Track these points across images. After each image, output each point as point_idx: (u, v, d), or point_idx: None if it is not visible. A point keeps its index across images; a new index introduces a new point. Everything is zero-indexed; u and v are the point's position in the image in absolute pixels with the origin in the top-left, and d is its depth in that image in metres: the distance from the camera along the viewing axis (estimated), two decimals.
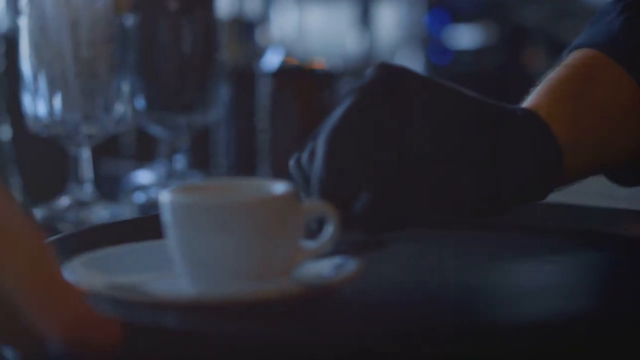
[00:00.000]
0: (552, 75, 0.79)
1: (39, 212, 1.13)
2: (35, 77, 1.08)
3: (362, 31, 1.86)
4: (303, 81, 1.34)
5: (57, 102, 1.08)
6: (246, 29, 1.53)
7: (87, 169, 1.11)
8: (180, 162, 1.21)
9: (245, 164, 1.37)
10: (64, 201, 1.12)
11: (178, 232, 0.62)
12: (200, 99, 1.18)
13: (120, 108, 1.10)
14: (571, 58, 0.81)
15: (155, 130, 1.21)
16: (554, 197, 0.77)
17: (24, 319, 0.46)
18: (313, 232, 0.64)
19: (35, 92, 1.08)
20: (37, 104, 1.09)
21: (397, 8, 2.19)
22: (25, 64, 1.09)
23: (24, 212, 0.50)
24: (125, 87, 1.10)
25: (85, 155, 1.11)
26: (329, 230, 0.62)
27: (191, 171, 1.23)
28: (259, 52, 1.46)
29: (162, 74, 1.17)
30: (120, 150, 1.39)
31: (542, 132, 0.73)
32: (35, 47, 1.08)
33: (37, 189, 1.27)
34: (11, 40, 1.25)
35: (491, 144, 0.71)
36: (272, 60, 1.37)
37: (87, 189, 1.11)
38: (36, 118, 1.10)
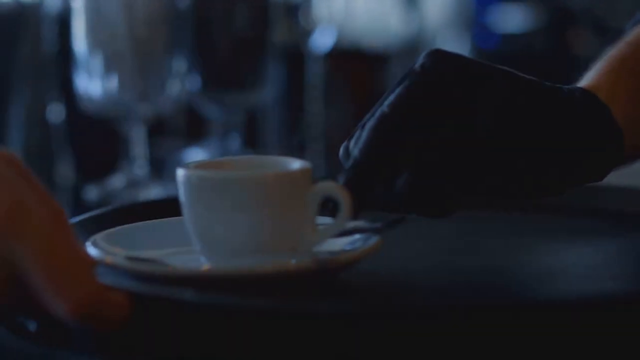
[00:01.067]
0: (612, 53, 0.78)
1: (92, 191, 1.14)
2: (90, 58, 1.09)
3: (408, 12, 1.85)
4: (356, 63, 1.34)
5: (112, 82, 1.09)
6: (293, 9, 1.52)
7: (140, 148, 1.12)
8: (234, 140, 1.22)
9: (295, 144, 1.38)
10: (117, 180, 1.13)
11: (190, 207, 0.62)
12: (254, 78, 1.18)
13: (174, 87, 1.10)
14: (633, 34, 0.79)
15: (210, 109, 1.21)
16: (612, 178, 0.76)
17: (38, 293, 0.48)
18: (330, 211, 0.63)
19: (90, 73, 1.09)
20: (92, 85, 1.10)
21: None
22: (80, 45, 1.10)
23: (42, 189, 0.52)
24: (180, 67, 1.10)
25: (139, 134, 1.11)
26: (339, 211, 0.61)
27: (244, 150, 1.24)
28: (307, 33, 1.46)
29: (216, 53, 1.17)
30: (168, 129, 1.39)
31: (601, 113, 0.72)
32: (90, 28, 1.09)
33: (89, 168, 1.28)
34: (64, 21, 1.26)
35: (550, 126, 0.70)
36: (322, 41, 1.37)
37: (141, 168, 1.12)
38: (91, 98, 1.11)
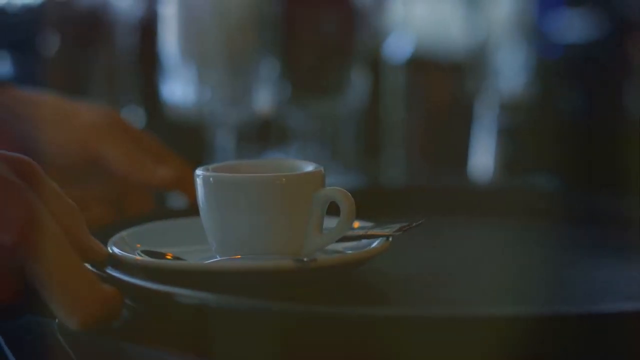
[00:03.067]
0: None
1: (179, 198, 1.14)
2: (179, 64, 1.09)
3: (472, 22, 1.84)
4: (435, 71, 1.34)
5: (202, 88, 1.08)
6: (372, 16, 1.52)
7: (228, 154, 1.12)
8: (312, 147, 1.21)
9: (374, 152, 1.37)
10: None
11: (203, 206, 0.64)
12: (338, 85, 1.18)
13: (264, 94, 1.10)
14: None
15: (295, 115, 1.21)
16: None
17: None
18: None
19: (179, 79, 1.09)
20: (181, 91, 1.10)
21: None
22: (169, 51, 1.10)
23: (54, 194, 0.55)
24: (269, 73, 1.10)
25: (229, 140, 1.11)
26: (341, 215, 0.62)
27: (322, 157, 1.23)
28: (385, 41, 1.45)
29: (301, 59, 1.17)
30: (243, 134, 1.39)
31: None
32: (181, 34, 1.09)
33: None
34: (146, 26, 1.26)
35: None
36: (400, 49, 1.37)
37: None
38: (179, 105, 1.10)
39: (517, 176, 1.31)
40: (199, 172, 0.64)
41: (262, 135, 1.33)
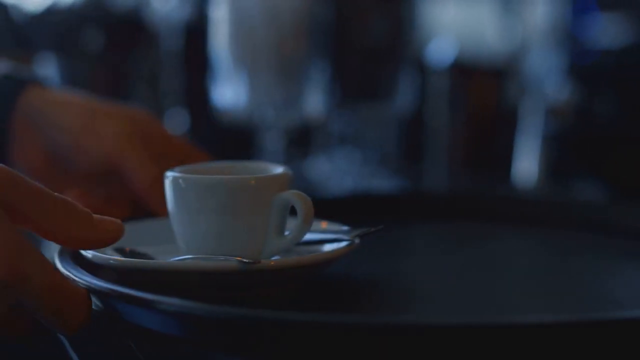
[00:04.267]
0: None
1: None
2: (230, 68, 1.09)
3: (508, 27, 1.84)
4: (478, 76, 1.33)
5: (254, 92, 1.08)
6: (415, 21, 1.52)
7: (278, 157, 1.12)
8: (356, 151, 1.21)
9: (418, 156, 1.37)
10: None
11: (170, 206, 0.65)
12: (387, 89, 1.18)
13: (315, 98, 1.10)
14: None
15: (342, 119, 1.21)
16: None
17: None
18: None
19: (230, 83, 1.09)
20: (232, 94, 1.09)
21: (543, 1, 2.16)
22: (221, 55, 1.10)
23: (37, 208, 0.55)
24: (320, 77, 1.10)
25: (279, 144, 1.11)
26: (298, 218, 0.62)
27: (365, 161, 1.23)
28: (428, 45, 1.45)
29: (351, 64, 1.17)
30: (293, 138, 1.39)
31: None
32: (233, 38, 1.08)
33: None
34: (193, 29, 1.26)
35: None
36: (442, 54, 1.36)
37: None
38: (230, 108, 1.10)
39: (561, 182, 1.31)
40: (168, 173, 0.65)
41: (309, 138, 1.33)
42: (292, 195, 0.62)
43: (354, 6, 1.16)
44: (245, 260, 0.59)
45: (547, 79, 1.72)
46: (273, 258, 0.64)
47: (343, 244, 0.64)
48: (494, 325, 0.47)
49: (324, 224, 0.69)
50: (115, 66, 1.28)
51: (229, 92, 1.10)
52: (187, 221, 0.64)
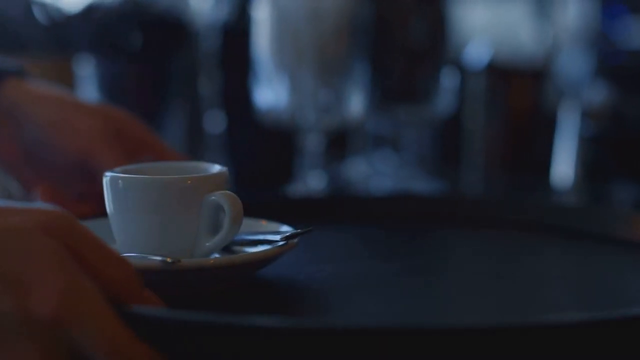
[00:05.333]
0: None
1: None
2: (272, 69, 1.09)
3: (540, 28, 1.83)
4: (515, 78, 1.33)
5: (295, 93, 1.08)
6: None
7: (318, 160, 1.12)
8: (399, 153, 1.21)
9: (456, 158, 1.37)
10: (296, 191, 1.13)
11: (108, 205, 0.66)
12: (427, 91, 1.18)
13: (356, 99, 1.09)
14: None
15: (382, 121, 1.20)
16: None
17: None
18: None
19: (271, 84, 1.09)
20: (274, 96, 1.09)
21: (574, 2, 2.15)
22: (262, 56, 1.10)
23: (96, 252, 0.52)
24: (361, 79, 1.10)
25: (318, 146, 1.11)
26: (226, 219, 0.63)
27: (408, 162, 1.23)
28: (465, 47, 1.44)
29: (393, 65, 1.17)
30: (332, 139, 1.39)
31: None
32: (275, 39, 1.08)
33: (250, 179, 1.28)
34: (229, 32, 1.26)
35: None
36: (479, 56, 1.36)
37: (318, 180, 1.12)
38: (272, 110, 1.10)
39: (598, 184, 1.30)
40: (106, 173, 0.66)
41: (346, 140, 1.33)
42: (221, 196, 0.63)
43: (394, 8, 1.16)
44: (167, 259, 0.59)
45: (581, 80, 1.71)
46: (212, 256, 0.64)
47: (270, 246, 0.64)
48: (398, 329, 0.47)
49: (264, 223, 0.70)
50: (153, 67, 1.28)
51: (270, 94, 1.10)
52: (122, 220, 0.65)
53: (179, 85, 1.30)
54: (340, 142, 1.31)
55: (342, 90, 1.09)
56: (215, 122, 1.30)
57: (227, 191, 0.63)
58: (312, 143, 1.11)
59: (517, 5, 2.04)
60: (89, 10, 1.28)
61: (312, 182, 1.12)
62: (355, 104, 1.10)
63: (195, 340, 0.49)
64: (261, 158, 1.27)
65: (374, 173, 1.25)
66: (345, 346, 0.47)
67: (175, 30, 1.31)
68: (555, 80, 1.40)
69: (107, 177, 0.65)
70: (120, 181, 0.64)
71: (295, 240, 0.65)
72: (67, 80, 1.22)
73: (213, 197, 0.63)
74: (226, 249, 0.66)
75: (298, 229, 0.65)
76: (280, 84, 1.08)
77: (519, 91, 1.34)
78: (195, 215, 0.63)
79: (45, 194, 0.80)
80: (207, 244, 0.64)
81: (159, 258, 0.60)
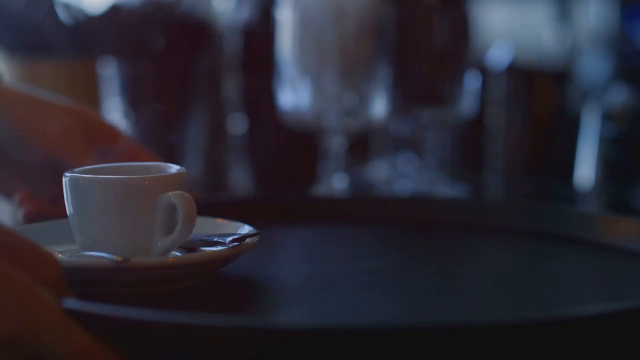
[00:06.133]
0: None
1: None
2: (295, 71, 1.09)
3: (561, 29, 1.83)
4: (536, 79, 1.33)
5: (319, 96, 1.08)
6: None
7: (340, 162, 1.12)
8: (421, 156, 1.21)
9: (475, 160, 1.36)
10: (319, 192, 1.13)
11: (67, 205, 0.67)
12: (451, 94, 1.18)
13: (379, 102, 1.10)
14: None
15: (404, 124, 1.20)
16: None
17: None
18: None
19: (294, 86, 1.09)
20: (297, 98, 1.10)
21: (594, 4, 2.15)
22: (285, 58, 1.10)
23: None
24: (384, 81, 1.10)
25: (341, 147, 1.11)
26: (179, 219, 0.64)
27: (430, 165, 1.23)
28: (487, 49, 1.44)
29: (415, 67, 1.17)
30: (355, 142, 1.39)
31: None
32: (298, 41, 1.09)
33: (270, 179, 1.28)
34: (251, 33, 1.27)
35: None
36: (501, 57, 1.36)
37: (341, 181, 1.12)
38: (295, 112, 1.10)
39: (620, 185, 1.30)
40: (66, 173, 0.66)
41: (371, 142, 1.33)
42: (175, 196, 0.64)
43: (417, 9, 1.16)
44: (118, 258, 0.60)
45: (601, 82, 1.71)
46: (172, 255, 0.65)
47: (220, 247, 0.65)
48: (330, 329, 0.48)
49: (222, 222, 0.72)
50: (176, 68, 1.29)
51: (293, 96, 1.10)
52: (81, 220, 0.66)
53: (202, 86, 1.31)
54: (363, 145, 1.31)
55: (366, 92, 1.09)
56: (238, 123, 1.30)
57: (181, 191, 0.64)
58: (335, 145, 1.11)
59: (539, 7, 2.04)
60: (112, 12, 1.29)
61: (334, 184, 1.12)
62: (378, 106, 1.10)
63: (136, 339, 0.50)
64: (283, 160, 1.28)
65: (397, 176, 1.25)
66: (269, 345, 0.48)
67: (198, 31, 1.32)
68: (576, 81, 1.40)
69: (66, 177, 0.66)
70: (78, 181, 0.66)
71: (251, 241, 0.66)
72: (91, 81, 1.23)
73: (167, 197, 0.64)
74: (190, 249, 0.67)
75: (256, 231, 0.67)
76: (304, 86, 1.09)
77: (540, 93, 1.34)
78: (151, 215, 0.65)
79: (22, 200, 0.81)
80: (160, 243, 0.65)
81: (109, 257, 0.61)
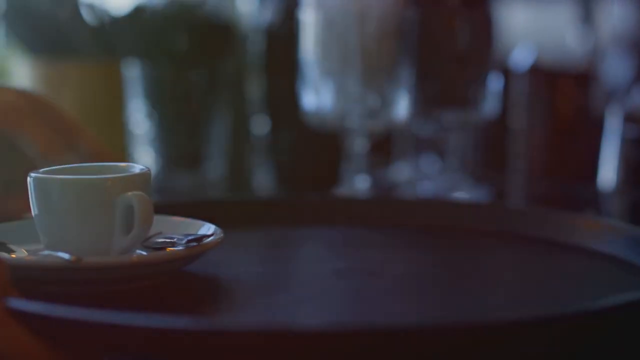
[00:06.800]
0: None
1: None
2: (318, 72, 1.09)
3: (583, 29, 1.82)
4: (559, 80, 1.32)
5: (342, 97, 1.08)
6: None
7: (362, 163, 1.12)
8: (443, 158, 1.21)
9: (496, 162, 1.36)
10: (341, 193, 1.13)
11: (32, 205, 0.67)
12: (474, 96, 1.18)
13: (402, 103, 1.10)
14: None
15: (426, 125, 1.21)
16: None
17: None
18: None
19: (317, 87, 1.10)
20: (319, 99, 1.10)
21: (617, 5, 2.14)
22: (308, 59, 1.10)
23: None
24: (407, 82, 1.10)
25: (363, 149, 1.11)
26: (135, 220, 0.65)
27: (451, 167, 1.23)
28: (509, 50, 1.44)
29: (438, 69, 1.17)
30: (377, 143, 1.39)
31: None
32: (321, 42, 1.09)
33: (293, 180, 1.29)
34: (274, 35, 1.27)
35: None
36: (521, 58, 1.36)
37: (363, 183, 1.12)
38: (317, 113, 1.11)
39: None
40: (31, 174, 0.67)
41: (393, 144, 1.33)
42: (132, 196, 0.65)
43: (440, 11, 1.16)
44: (72, 258, 0.61)
45: (624, 83, 1.70)
46: (134, 253, 0.66)
47: (181, 247, 0.66)
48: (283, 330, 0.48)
49: (180, 220, 0.72)
50: (200, 70, 1.29)
51: (316, 97, 1.10)
52: (44, 220, 0.67)
53: (225, 88, 1.31)
54: (385, 146, 1.31)
55: (388, 93, 1.09)
56: (261, 124, 1.31)
57: (138, 192, 0.65)
58: (358, 146, 1.11)
59: (562, 8, 2.03)
60: (136, 13, 1.30)
61: (357, 185, 1.12)
62: (401, 107, 1.10)
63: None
64: (306, 161, 1.28)
65: (419, 177, 1.25)
66: (204, 345, 0.48)
67: (221, 33, 1.32)
68: (599, 83, 1.40)
69: (31, 177, 0.67)
70: (42, 182, 0.67)
71: (211, 241, 0.66)
72: (116, 82, 1.24)
73: (124, 197, 0.65)
74: (158, 249, 0.68)
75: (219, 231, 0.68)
76: (326, 87, 1.09)
77: (563, 94, 1.33)
78: (111, 215, 0.66)
79: None
80: (122, 242, 0.66)
81: (63, 256, 0.62)
